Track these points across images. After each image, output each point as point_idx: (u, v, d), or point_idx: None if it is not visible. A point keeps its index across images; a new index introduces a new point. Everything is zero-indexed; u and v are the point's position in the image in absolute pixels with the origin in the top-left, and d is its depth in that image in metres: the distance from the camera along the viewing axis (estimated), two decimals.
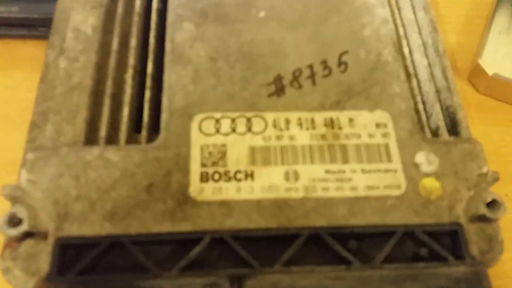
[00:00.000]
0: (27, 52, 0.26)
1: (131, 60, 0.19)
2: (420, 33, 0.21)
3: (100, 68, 0.19)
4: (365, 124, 0.17)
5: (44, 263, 0.14)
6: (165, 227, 0.15)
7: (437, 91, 0.19)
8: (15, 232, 0.15)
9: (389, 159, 0.16)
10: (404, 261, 0.15)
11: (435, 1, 0.30)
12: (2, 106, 0.24)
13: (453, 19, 0.29)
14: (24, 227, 0.15)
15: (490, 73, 0.25)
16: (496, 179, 0.18)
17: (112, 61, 0.19)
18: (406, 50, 0.20)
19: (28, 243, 0.15)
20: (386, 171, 0.16)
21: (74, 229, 0.15)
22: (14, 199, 0.16)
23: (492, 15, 0.27)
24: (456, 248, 0.15)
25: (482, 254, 0.16)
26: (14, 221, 0.15)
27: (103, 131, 0.17)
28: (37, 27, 0.26)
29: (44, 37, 0.25)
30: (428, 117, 0.19)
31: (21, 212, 0.15)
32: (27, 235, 0.15)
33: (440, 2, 0.30)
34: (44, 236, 0.15)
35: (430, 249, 0.15)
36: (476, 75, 0.26)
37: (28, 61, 0.25)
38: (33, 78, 0.24)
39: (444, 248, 0.15)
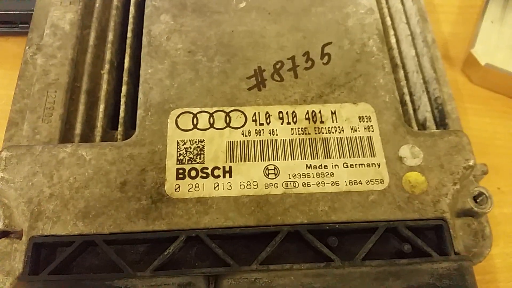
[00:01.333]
0: (8, 49, 0.25)
1: (108, 55, 0.19)
2: (408, 22, 0.21)
3: (77, 64, 0.19)
4: (348, 117, 0.17)
5: (19, 262, 0.14)
6: (139, 226, 0.14)
7: (425, 82, 0.19)
8: None
9: (372, 153, 0.16)
10: (387, 258, 0.14)
11: None
12: None
13: (447, 8, 0.29)
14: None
15: (482, 63, 0.24)
16: (485, 172, 0.17)
17: (89, 57, 0.19)
18: (393, 40, 0.20)
19: (3, 242, 0.15)
20: (369, 165, 0.16)
21: (47, 228, 0.14)
22: None
23: (485, 4, 0.27)
24: (440, 243, 0.15)
25: (468, 249, 0.15)
26: None
27: (78, 129, 0.17)
28: (18, 23, 0.25)
29: (25, 34, 0.25)
30: (415, 109, 0.18)
31: None
32: (3, 234, 0.15)
33: None
34: (19, 235, 0.15)
35: (413, 245, 0.15)
36: (469, 66, 0.25)
37: (8, 58, 0.25)
38: (13, 75, 0.23)
39: (428, 244, 0.15)
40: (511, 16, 0.26)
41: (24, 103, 0.19)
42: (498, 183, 0.22)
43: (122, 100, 0.18)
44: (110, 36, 0.19)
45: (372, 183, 0.15)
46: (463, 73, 0.26)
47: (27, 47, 0.21)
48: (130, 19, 0.20)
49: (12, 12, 0.25)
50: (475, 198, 0.16)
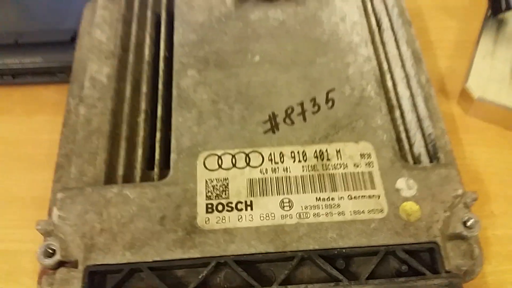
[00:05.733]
0: (49, 97, 0.29)
1: (143, 105, 0.23)
2: (403, 66, 0.24)
3: (116, 114, 0.23)
4: (351, 155, 0.20)
5: (76, 287, 0.17)
6: (177, 254, 0.18)
7: (419, 120, 0.22)
8: (50, 261, 0.18)
9: (373, 186, 0.19)
10: (387, 277, 0.17)
11: (425, 28, 0.33)
12: (27, 147, 0.27)
13: (444, 44, 0.32)
14: (57, 257, 0.18)
15: (475, 96, 0.27)
16: (474, 199, 0.20)
17: (126, 107, 0.23)
18: (389, 83, 0.23)
19: (62, 271, 0.18)
20: (370, 196, 0.19)
21: (99, 258, 0.18)
22: (47, 233, 0.19)
23: (477, 40, 0.30)
24: (433, 263, 0.18)
25: (459, 268, 0.18)
26: (48, 252, 0.19)
27: (120, 170, 0.21)
28: (56, 73, 0.29)
29: (63, 82, 0.29)
30: (411, 145, 0.22)
31: (54, 244, 0.19)
32: (60, 264, 0.18)
33: (431, 29, 0.33)
34: (74, 264, 0.18)
35: (409, 266, 0.18)
36: (463, 99, 0.28)
37: (49, 105, 0.29)
38: (54, 121, 0.28)
39: (422, 264, 0.18)
40: (502, 51, 0.30)
41: (69, 148, 0.23)
42: (491, 207, 0.25)
43: (157, 145, 0.21)
44: (144, 88, 0.23)
45: (373, 212, 0.19)
46: (458, 106, 0.29)
47: (70, 98, 0.25)
48: (160, 73, 0.23)
49: (53, 65, 0.29)
50: (465, 223, 0.19)
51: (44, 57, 0.29)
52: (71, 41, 0.29)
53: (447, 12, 0.34)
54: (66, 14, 0.31)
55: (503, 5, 0.30)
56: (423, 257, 0.18)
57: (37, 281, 0.19)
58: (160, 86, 0.23)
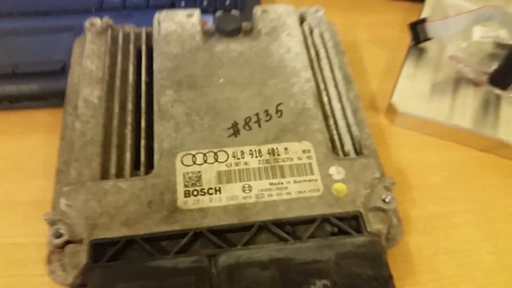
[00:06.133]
0: (42, 119, 0.34)
1: (129, 119, 0.28)
2: (336, 85, 0.31)
3: (106, 127, 0.28)
4: (295, 151, 0.26)
5: (82, 258, 0.22)
6: (162, 228, 0.23)
7: (348, 126, 0.29)
8: (59, 241, 0.23)
9: (312, 173, 0.25)
10: (323, 237, 0.23)
11: (360, 57, 0.41)
12: (25, 160, 0.32)
13: (375, 69, 0.40)
14: (65, 238, 0.23)
15: (399, 110, 0.35)
16: (393, 183, 0.27)
17: (115, 121, 0.28)
18: (325, 99, 0.30)
19: (70, 247, 0.23)
20: (310, 180, 0.25)
21: (101, 234, 0.23)
22: (53, 222, 0.24)
23: (401, 65, 0.38)
24: (358, 227, 0.24)
25: (380, 232, 0.24)
26: (57, 234, 0.23)
27: (112, 171, 0.26)
28: (49, 98, 0.35)
29: (55, 106, 0.35)
30: (342, 144, 0.28)
31: (62, 228, 0.24)
32: (67, 242, 0.23)
33: (365, 57, 0.41)
34: (80, 242, 0.23)
35: (340, 229, 0.24)
36: (390, 112, 0.36)
37: (43, 126, 0.34)
38: (48, 138, 0.33)
39: (350, 227, 0.24)
40: (421, 74, 0.37)
41: (67, 156, 0.28)
42: (412, 195, 0.31)
43: (142, 149, 0.27)
44: (129, 106, 0.29)
45: (312, 191, 0.25)
46: (386, 118, 0.36)
47: (67, 116, 0.30)
48: (142, 94, 0.29)
49: (47, 91, 0.34)
50: (384, 200, 0.26)
51: (38, 84, 0.34)
52: (61, 70, 0.35)
53: (379, 44, 0.42)
54: (56, 48, 0.37)
55: (422, 37, 0.39)
56: (350, 223, 0.24)
57: (46, 261, 0.24)
58: (143, 104, 0.29)
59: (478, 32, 0.40)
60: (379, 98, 0.37)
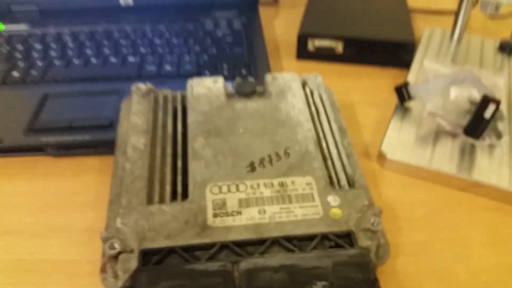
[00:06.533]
0: (93, 164, 0.42)
1: (168, 160, 0.36)
2: (333, 135, 0.39)
3: (151, 166, 0.36)
4: (300, 183, 0.33)
5: (133, 264, 0.29)
6: (196, 240, 0.30)
7: (343, 166, 0.36)
8: (113, 252, 0.30)
9: (314, 200, 0.32)
10: (323, 249, 0.30)
11: (355, 115, 0.49)
12: (79, 196, 0.39)
13: (368, 125, 0.48)
14: (118, 249, 0.30)
15: (388, 156, 0.42)
16: (380, 211, 0.33)
17: (157, 162, 0.36)
18: (324, 145, 0.38)
19: (123, 255, 0.30)
20: (312, 206, 0.32)
21: (148, 245, 0.30)
22: (106, 239, 0.31)
23: (390, 120, 0.46)
24: (350, 242, 0.30)
25: (368, 247, 0.31)
26: (112, 247, 0.30)
27: (156, 198, 0.33)
28: (99, 147, 0.43)
29: (103, 153, 0.43)
30: (338, 180, 0.35)
31: (116, 242, 0.30)
32: (119, 253, 0.30)
33: (359, 115, 0.49)
34: (131, 251, 0.30)
35: (336, 243, 0.30)
36: (380, 158, 0.43)
37: (93, 169, 0.42)
38: (98, 179, 0.40)
39: (344, 242, 0.30)
40: (406, 127, 0.45)
41: (118, 190, 0.35)
42: (400, 224, 0.37)
43: (179, 184, 0.34)
44: (168, 150, 0.37)
45: (314, 215, 0.31)
46: (377, 163, 0.43)
47: (119, 158, 0.38)
48: (179, 141, 0.37)
49: (97, 141, 0.42)
50: (373, 223, 0.32)
51: (91, 135, 0.43)
52: (109, 125, 0.43)
53: (371, 104, 0.51)
54: (104, 107, 0.46)
55: (406, 97, 0.47)
56: (345, 240, 0.31)
57: (100, 271, 0.31)
58: (179, 148, 0.37)
59: (454, 92, 0.48)
60: (371, 147, 0.45)
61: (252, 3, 0.66)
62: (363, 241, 0.31)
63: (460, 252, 0.35)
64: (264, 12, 0.71)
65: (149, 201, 0.33)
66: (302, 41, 0.57)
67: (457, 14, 0.58)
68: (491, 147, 0.42)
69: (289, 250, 0.30)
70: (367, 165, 0.43)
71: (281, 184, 0.33)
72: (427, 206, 0.39)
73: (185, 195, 0.33)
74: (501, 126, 0.42)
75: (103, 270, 0.31)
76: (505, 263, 0.34)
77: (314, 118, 0.40)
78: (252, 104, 0.40)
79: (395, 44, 0.56)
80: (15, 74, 0.51)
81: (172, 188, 0.34)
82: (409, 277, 0.33)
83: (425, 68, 0.54)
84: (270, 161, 0.35)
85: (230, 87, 0.43)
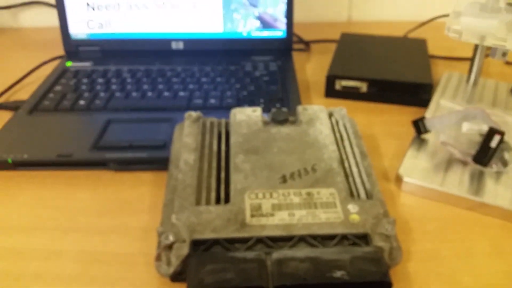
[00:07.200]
0: (148, 178, 0.50)
1: (213, 172, 0.43)
2: (354, 157, 0.45)
3: (199, 177, 0.43)
4: (325, 193, 0.39)
5: (184, 251, 0.35)
6: (236, 234, 0.36)
7: (363, 182, 0.42)
8: (168, 241, 0.36)
9: (336, 207, 0.38)
10: (342, 246, 0.35)
11: (377, 145, 0.55)
12: (136, 203, 0.47)
13: (387, 153, 0.54)
14: (172, 239, 0.36)
15: (404, 179, 0.47)
16: (394, 221, 0.39)
17: (205, 174, 0.43)
18: (346, 164, 0.44)
19: (176, 244, 0.36)
20: (334, 212, 0.38)
21: (197, 236, 0.36)
22: (161, 233, 0.37)
23: (407, 149, 0.52)
24: (366, 242, 0.36)
25: (381, 247, 0.36)
26: (167, 238, 0.37)
27: (203, 202, 0.40)
28: (154, 163, 0.50)
29: (158, 169, 0.50)
30: (358, 193, 0.41)
31: (170, 234, 0.37)
32: (173, 243, 0.36)
33: (380, 145, 0.55)
34: (183, 241, 0.36)
35: (353, 242, 0.36)
36: (398, 180, 0.48)
37: (148, 182, 0.49)
38: (152, 190, 0.48)
39: (361, 242, 0.36)
40: (421, 155, 0.51)
41: (171, 196, 0.42)
42: (413, 236, 0.42)
43: (222, 192, 0.41)
44: (214, 164, 0.44)
45: (336, 219, 0.37)
46: (395, 185, 0.49)
47: (173, 169, 0.45)
48: (223, 157, 0.44)
49: (155, 158, 0.50)
50: (386, 229, 0.37)
51: (148, 154, 0.51)
52: (163, 146, 0.51)
53: (391, 136, 0.57)
54: (158, 132, 0.54)
55: (422, 130, 0.53)
56: (361, 240, 0.36)
57: (155, 259, 0.37)
58: (223, 163, 0.44)
59: (466, 126, 0.53)
60: (390, 171, 0.50)
61: (286, 49, 0.75)
62: (378, 242, 0.36)
63: (465, 259, 0.39)
64: (297, 57, 0.79)
65: (197, 204, 0.40)
66: (330, 81, 0.65)
67: (472, 60, 0.64)
68: (498, 173, 0.47)
69: (314, 246, 0.36)
70: (386, 186, 0.48)
71: (308, 194, 0.39)
72: (437, 222, 0.44)
73: (227, 200, 0.40)
74: (507, 155, 0.47)
75: (158, 258, 0.37)
76: (506, 270, 0.38)
77: (338, 142, 0.46)
78: (285, 129, 0.47)
79: (415, 85, 0.63)
80: (82, 102, 0.61)
81: (216, 195, 0.41)
82: (419, 279, 0.38)
83: (442, 107, 0.60)
84: (299, 175, 0.41)
85: (266, 117, 0.50)
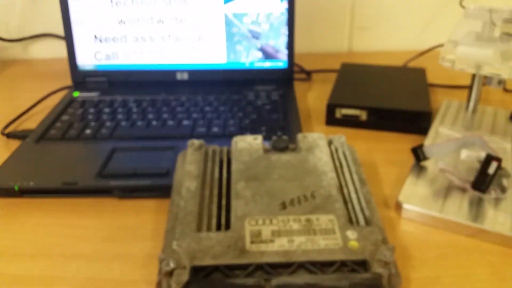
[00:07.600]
0: (150, 205, 0.51)
1: (215, 199, 0.44)
2: (353, 183, 0.46)
3: (200, 204, 0.43)
4: (324, 220, 0.40)
5: (184, 277, 0.36)
6: (236, 261, 0.36)
7: (362, 209, 0.43)
8: (169, 268, 0.37)
9: (335, 233, 0.39)
10: (341, 272, 0.35)
11: (377, 172, 0.56)
12: (138, 230, 0.47)
13: (387, 180, 0.54)
14: (173, 266, 0.37)
15: (404, 205, 0.48)
16: (393, 248, 0.39)
17: (206, 201, 0.44)
18: (346, 191, 0.44)
19: (177, 271, 0.36)
20: (333, 238, 0.38)
21: (198, 263, 0.36)
22: (162, 259, 0.38)
23: (407, 176, 0.52)
24: (365, 268, 0.36)
25: (380, 273, 0.36)
26: (168, 264, 0.37)
27: (204, 228, 0.41)
28: (157, 191, 0.51)
29: (160, 196, 0.51)
30: (357, 219, 0.42)
31: (170, 260, 0.37)
32: (173, 270, 0.37)
33: (380, 173, 0.56)
34: (183, 267, 0.37)
35: (352, 268, 0.36)
36: (397, 207, 0.49)
37: (150, 209, 0.50)
38: (154, 217, 0.48)
39: (359, 268, 0.36)
40: (420, 182, 0.51)
41: (173, 223, 0.43)
42: (412, 263, 0.42)
43: (223, 218, 0.41)
44: (215, 191, 0.44)
45: (335, 245, 0.38)
46: (395, 211, 0.49)
47: (175, 197, 0.46)
48: (224, 184, 0.45)
49: (156, 186, 0.51)
50: (385, 255, 0.38)
51: (151, 181, 0.52)
52: (166, 173, 0.52)
53: (391, 164, 0.57)
54: (162, 159, 0.55)
55: (421, 157, 0.53)
56: (360, 266, 0.36)
57: (156, 286, 0.37)
58: (224, 190, 0.45)
59: (464, 153, 0.54)
60: (389, 199, 0.51)
61: (288, 79, 0.76)
62: (376, 268, 0.36)
63: (465, 286, 0.39)
64: (299, 86, 0.81)
65: (199, 230, 0.41)
66: (331, 109, 0.66)
67: (470, 88, 0.65)
68: (497, 200, 0.48)
69: (313, 272, 0.36)
70: (386, 213, 0.49)
71: (307, 220, 0.40)
72: (438, 249, 0.44)
73: (227, 227, 0.41)
74: (506, 182, 0.48)
75: (159, 285, 0.37)
76: None
77: (338, 169, 0.47)
78: (285, 157, 0.48)
79: (414, 113, 0.64)
80: (88, 131, 0.62)
81: (217, 221, 0.42)
82: None
83: (441, 134, 0.61)
84: (299, 201, 0.42)
85: (267, 145, 0.51)
